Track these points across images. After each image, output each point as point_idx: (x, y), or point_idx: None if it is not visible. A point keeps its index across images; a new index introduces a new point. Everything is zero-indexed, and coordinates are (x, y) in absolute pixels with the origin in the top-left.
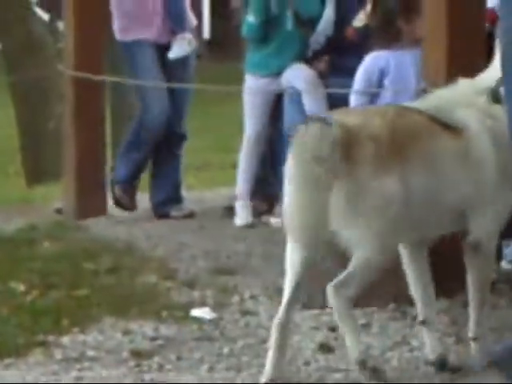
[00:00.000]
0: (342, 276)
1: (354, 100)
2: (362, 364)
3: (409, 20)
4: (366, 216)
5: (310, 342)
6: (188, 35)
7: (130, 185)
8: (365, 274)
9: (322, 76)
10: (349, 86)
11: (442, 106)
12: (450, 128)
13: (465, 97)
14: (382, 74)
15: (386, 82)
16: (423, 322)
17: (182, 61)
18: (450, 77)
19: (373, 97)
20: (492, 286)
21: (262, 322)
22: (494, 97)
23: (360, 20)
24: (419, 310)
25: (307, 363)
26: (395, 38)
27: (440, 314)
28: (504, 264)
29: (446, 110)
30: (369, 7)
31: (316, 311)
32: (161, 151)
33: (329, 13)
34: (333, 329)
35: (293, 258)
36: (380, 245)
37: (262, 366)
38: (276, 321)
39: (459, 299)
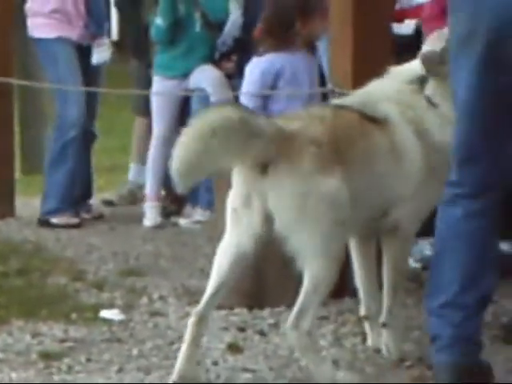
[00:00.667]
0: (294, 312)
1: (246, 102)
2: None
3: (305, 23)
4: (312, 218)
5: (219, 342)
6: (106, 40)
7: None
8: (318, 294)
9: (230, 77)
10: None
11: (368, 100)
12: (377, 122)
13: (390, 88)
14: (277, 77)
15: (281, 84)
16: (366, 317)
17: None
18: (357, 79)
19: (266, 99)
20: None
21: (171, 323)
22: (422, 85)
23: None
24: (364, 304)
25: (216, 363)
26: (291, 41)
27: (346, 314)
28: (412, 262)
29: (371, 104)
30: None
31: (225, 312)
32: None
33: (236, 14)
34: (242, 329)
35: (223, 258)
36: (328, 248)
37: (171, 367)
38: (194, 314)
39: None
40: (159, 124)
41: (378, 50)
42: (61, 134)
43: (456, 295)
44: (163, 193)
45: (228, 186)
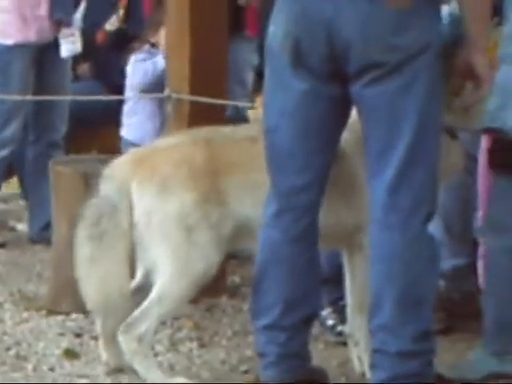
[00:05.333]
0: (131, 317)
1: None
2: None
3: None
4: (159, 236)
5: (55, 348)
6: (75, 29)
7: None
8: (161, 306)
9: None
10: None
11: None
12: None
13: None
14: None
15: None
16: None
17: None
18: (194, 84)
19: None
20: (236, 291)
21: (7, 329)
22: None
23: (112, 24)
24: None
25: (52, 369)
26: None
27: (182, 319)
28: None
29: None
30: (121, 11)
31: (61, 317)
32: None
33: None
34: (78, 335)
35: None
36: (179, 266)
37: (8, 372)
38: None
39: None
40: None
41: (216, 55)
42: None
43: (279, 318)
44: None
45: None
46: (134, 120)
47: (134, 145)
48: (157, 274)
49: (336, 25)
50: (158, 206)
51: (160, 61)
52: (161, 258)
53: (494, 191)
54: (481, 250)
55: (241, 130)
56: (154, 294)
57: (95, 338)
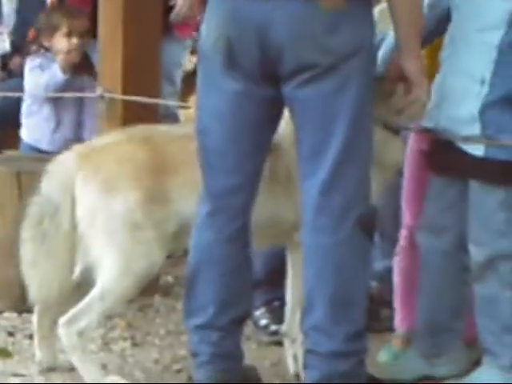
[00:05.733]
0: (72, 311)
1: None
2: None
3: None
4: (103, 233)
5: None
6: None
7: None
8: (103, 303)
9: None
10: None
11: None
12: None
13: None
14: None
15: None
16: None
17: None
18: (127, 83)
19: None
20: (169, 290)
21: None
22: None
23: None
24: None
25: None
26: None
27: (116, 319)
28: None
29: None
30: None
31: None
32: None
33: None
34: (11, 333)
35: None
36: (120, 267)
37: None
38: None
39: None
40: None
41: (147, 56)
42: None
43: (212, 318)
44: None
45: None
46: (31, 121)
47: (30, 146)
48: (100, 271)
49: (268, 26)
50: (102, 204)
51: (58, 72)
52: (104, 255)
53: (431, 192)
54: (398, 247)
55: (178, 128)
56: (96, 290)
57: (29, 337)
